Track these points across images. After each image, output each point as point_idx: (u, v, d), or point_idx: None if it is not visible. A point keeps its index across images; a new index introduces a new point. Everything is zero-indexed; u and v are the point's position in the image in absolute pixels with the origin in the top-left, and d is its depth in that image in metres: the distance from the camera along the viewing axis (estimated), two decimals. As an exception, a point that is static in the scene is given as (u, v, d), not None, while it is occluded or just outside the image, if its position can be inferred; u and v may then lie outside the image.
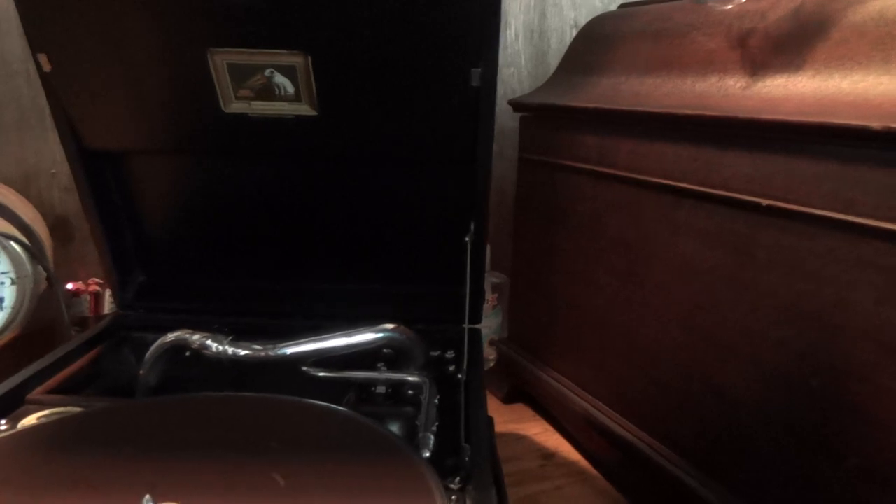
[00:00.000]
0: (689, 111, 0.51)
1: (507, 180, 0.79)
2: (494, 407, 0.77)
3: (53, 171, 0.74)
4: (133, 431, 0.44)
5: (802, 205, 0.44)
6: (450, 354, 0.59)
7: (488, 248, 0.88)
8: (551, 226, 0.70)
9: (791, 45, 0.46)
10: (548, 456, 0.68)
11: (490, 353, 0.85)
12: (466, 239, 0.58)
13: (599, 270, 0.64)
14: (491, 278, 0.87)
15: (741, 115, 0.47)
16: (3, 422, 0.45)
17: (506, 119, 0.82)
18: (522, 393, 0.78)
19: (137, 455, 0.40)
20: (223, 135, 0.55)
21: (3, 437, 0.42)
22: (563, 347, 0.71)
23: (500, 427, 0.72)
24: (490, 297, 0.86)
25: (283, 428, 0.44)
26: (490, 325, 0.87)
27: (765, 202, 0.46)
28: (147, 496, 0.34)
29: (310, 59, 0.49)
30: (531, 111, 0.72)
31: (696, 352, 0.54)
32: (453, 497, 0.38)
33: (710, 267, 0.52)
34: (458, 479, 0.40)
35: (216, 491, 0.37)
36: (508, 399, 0.79)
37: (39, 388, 0.51)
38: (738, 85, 0.50)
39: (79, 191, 0.58)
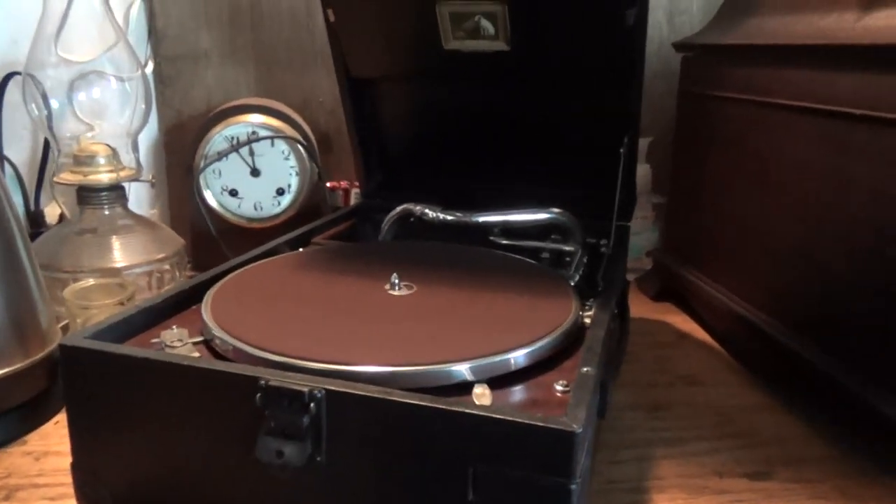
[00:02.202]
0: (808, 41, 0.63)
1: (671, 114, 0.93)
2: (644, 301, 0.93)
3: (321, 99, 1.01)
4: (383, 256, 0.67)
5: (891, 111, 0.55)
6: (603, 242, 0.76)
7: (651, 171, 1.02)
8: (703, 148, 0.83)
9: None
10: (682, 335, 0.83)
11: (647, 263, 1.00)
12: (621, 150, 0.74)
13: (739, 182, 0.77)
14: (652, 198, 1.01)
15: (846, 41, 0.58)
16: (301, 250, 0.71)
17: (675, 61, 0.95)
18: (670, 293, 0.93)
19: (386, 264, 0.62)
20: (442, 66, 0.76)
21: (308, 251, 0.68)
22: (706, 250, 0.84)
23: (645, 314, 0.88)
24: (650, 214, 1.01)
25: (481, 264, 0.66)
26: (648, 238, 1.01)
27: (858, 111, 0.57)
28: (394, 274, 0.57)
29: (507, 7, 0.68)
30: (689, 50, 0.85)
31: (805, 238, 0.66)
32: (586, 305, 0.57)
33: (819, 167, 0.63)
34: (591, 300, 0.58)
35: (439, 281, 0.59)
36: (657, 298, 0.94)
37: (317, 237, 0.76)
38: (852, 19, 0.61)
39: (344, 109, 0.83)
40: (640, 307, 0.90)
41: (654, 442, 0.60)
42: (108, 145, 0.77)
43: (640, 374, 0.72)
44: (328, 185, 0.97)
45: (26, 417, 0.59)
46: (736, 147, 0.77)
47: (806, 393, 0.65)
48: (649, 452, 0.58)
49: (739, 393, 0.69)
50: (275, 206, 0.91)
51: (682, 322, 0.87)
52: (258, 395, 0.41)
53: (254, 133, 0.87)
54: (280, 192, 0.91)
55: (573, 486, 0.37)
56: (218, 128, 0.87)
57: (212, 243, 0.88)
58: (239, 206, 0.90)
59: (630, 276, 0.89)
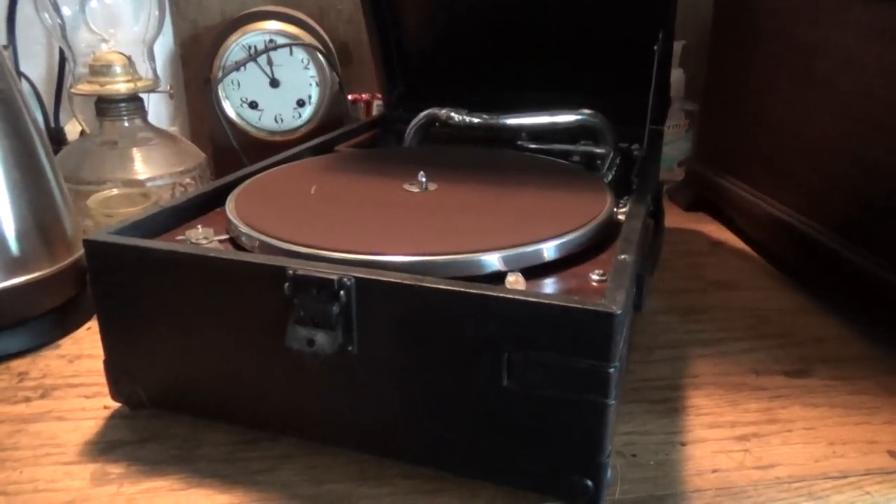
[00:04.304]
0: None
1: (706, 15, 0.88)
2: (677, 212, 0.90)
3: (339, 7, 0.97)
4: (409, 158, 0.66)
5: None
6: (635, 147, 0.73)
7: (684, 77, 0.98)
8: (742, 46, 0.79)
9: None
10: (717, 244, 0.81)
11: (678, 174, 0.97)
12: (655, 48, 0.70)
13: (780, 79, 0.73)
14: (685, 106, 0.97)
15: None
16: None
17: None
18: (703, 203, 0.90)
19: (412, 166, 0.60)
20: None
21: (332, 156, 0.66)
22: (742, 155, 0.81)
23: (679, 224, 0.86)
24: (683, 122, 0.97)
25: (511, 164, 0.64)
26: (681, 147, 0.98)
27: (918, -11, 0.53)
28: (421, 172, 0.55)
29: None
30: (730, -60, 0.79)
31: (852, 137, 0.62)
32: (620, 202, 0.55)
33: (872, 59, 0.60)
34: (625, 197, 0.56)
35: (469, 179, 0.57)
36: (690, 208, 0.91)
37: (340, 146, 0.75)
38: None
39: (364, 14, 0.80)
40: (673, 218, 0.87)
41: (689, 343, 0.59)
42: (123, 54, 0.75)
43: (672, 281, 0.71)
44: (349, 97, 0.94)
45: (57, 323, 0.59)
46: (778, 43, 0.73)
47: (848, 294, 0.63)
48: (684, 352, 0.57)
49: (775, 296, 0.67)
50: (296, 119, 0.89)
51: (716, 231, 0.84)
52: (286, 284, 0.40)
53: (271, 41, 0.84)
54: (300, 103, 0.88)
55: (611, 370, 0.36)
56: (234, 36, 0.84)
57: (233, 157, 0.87)
58: (259, 119, 0.88)
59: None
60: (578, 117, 0.69)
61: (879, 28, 0.58)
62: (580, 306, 0.35)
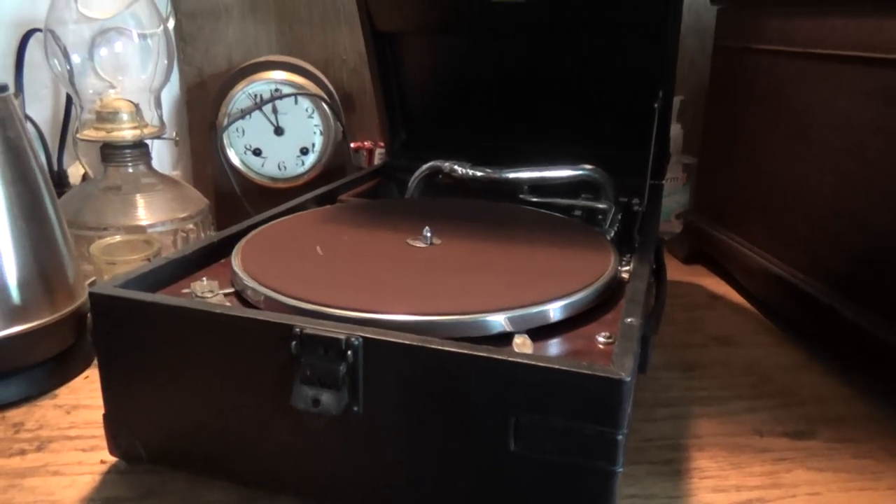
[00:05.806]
0: (858, -14, 0.60)
1: (703, 72, 0.90)
2: (675, 264, 0.91)
3: (344, 57, 0.99)
4: (413, 211, 0.66)
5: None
6: (635, 201, 0.74)
7: (682, 131, 0.99)
8: (738, 103, 0.81)
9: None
10: (715, 297, 0.81)
11: (676, 226, 0.98)
12: (655, 105, 0.71)
13: (775, 137, 0.74)
14: (682, 159, 0.98)
15: (900, -16, 0.55)
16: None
17: (708, 15, 0.91)
18: (701, 255, 0.91)
19: (416, 219, 0.61)
20: (469, 17, 0.73)
21: (336, 207, 0.66)
22: (739, 210, 0.82)
23: (676, 277, 0.86)
24: (681, 175, 0.99)
25: (514, 219, 0.64)
26: (678, 199, 0.99)
27: (912, 58, 0.55)
28: (427, 227, 0.55)
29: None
30: (725, 2, 0.82)
31: (847, 194, 0.63)
32: (623, 260, 0.55)
33: (865, 120, 0.61)
34: (628, 255, 0.57)
35: (473, 234, 0.57)
36: (688, 260, 0.92)
37: (343, 195, 0.75)
38: (906, -40, 0.58)
39: (368, 65, 0.81)
40: (671, 270, 0.88)
41: (690, 401, 0.59)
42: (131, 101, 0.76)
43: (672, 335, 0.71)
44: (352, 145, 0.96)
45: (56, 371, 0.59)
46: (773, 102, 0.75)
47: (845, 351, 0.64)
48: (686, 411, 0.57)
49: (775, 353, 0.67)
50: (299, 166, 0.90)
51: (714, 284, 0.85)
52: (293, 342, 0.39)
53: (277, 90, 0.86)
54: (304, 151, 0.89)
55: (619, 436, 0.36)
56: (241, 85, 0.85)
57: (236, 203, 0.87)
58: (263, 166, 0.89)
59: (660, 238, 0.87)
60: (580, 172, 0.70)
61: (872, 90, 0.60)
62: (589, 372, 0.35)
